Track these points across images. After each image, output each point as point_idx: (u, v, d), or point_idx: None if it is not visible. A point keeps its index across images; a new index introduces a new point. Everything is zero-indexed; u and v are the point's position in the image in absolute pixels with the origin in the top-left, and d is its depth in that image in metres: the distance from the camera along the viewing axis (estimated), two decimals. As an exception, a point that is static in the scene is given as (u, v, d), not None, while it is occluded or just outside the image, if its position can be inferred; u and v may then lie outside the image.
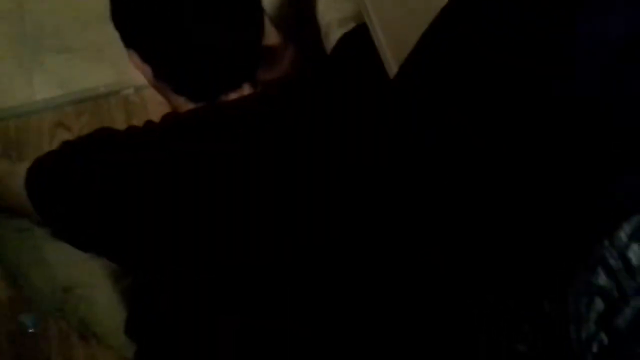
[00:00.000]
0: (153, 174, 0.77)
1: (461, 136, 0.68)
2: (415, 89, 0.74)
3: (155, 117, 0.83)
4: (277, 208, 0.78)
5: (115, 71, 1.42)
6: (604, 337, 0.54)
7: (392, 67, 0.81)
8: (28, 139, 1.37)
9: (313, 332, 0.81)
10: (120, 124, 1.36)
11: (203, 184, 0.77)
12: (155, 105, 1.34)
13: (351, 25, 0.95)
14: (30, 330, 1.18)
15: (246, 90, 0.85)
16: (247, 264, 0.78)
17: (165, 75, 0.83)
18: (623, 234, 0.54)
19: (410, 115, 0.75)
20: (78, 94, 1.43)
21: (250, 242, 0.78)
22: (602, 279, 0.55)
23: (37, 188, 0.80)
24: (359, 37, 0.89)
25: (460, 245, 0.74)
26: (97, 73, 1.44)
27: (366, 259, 0.81)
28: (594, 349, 0.54)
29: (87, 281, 0.98)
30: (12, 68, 1.45)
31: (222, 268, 0.77)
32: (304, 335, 0.81)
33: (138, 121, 0.85)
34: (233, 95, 0.83)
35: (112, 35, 0.85)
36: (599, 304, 0.55)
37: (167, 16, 0.78)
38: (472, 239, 0.72)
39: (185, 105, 0.84)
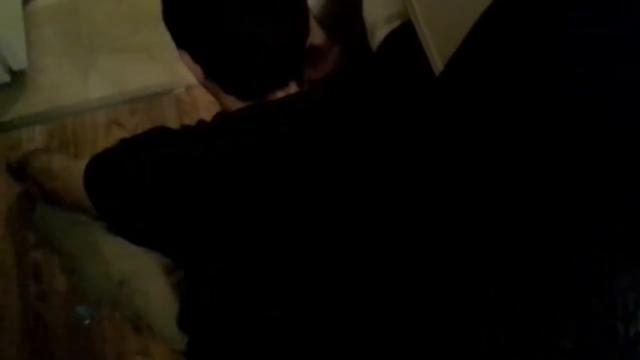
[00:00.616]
0: (204, 170, 0.79)
1: (484, 134, 0.68)
2: (451, 84, 0.74)
3: (205, 115, 0.85)
4: (322, 204, 0.79)
5: (167, 71, 1.45)
6: (653, 333, 0.53)
7: (438, 65, 0.81)
8: (84, 136, 1.41)
9: (353, 323, 0.82)
10: (171, 122, 1.39)
11: (251, 181, 0.78)
12: (205, 104, 1.37)
13: (397, 23, 0.95)
14: (86, 322, 1.21)
15: (293, 88, 0.86)
16: (292, 259, 0.79)
17: (215, 74, 0.85)
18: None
19: (442, 109, 0.76)
20: (131, 93, 1.46)
21: (296, 237, 0.79)
22: None
23: (95, 183, 0.83)
24: (405, 35, 0.89)
25: (488, 237, 0.73)
26: (149, 73, 1.47)
27: (400, 251, 0.81)
28: (643, 345, 0.53)
29: (142, 274, 1.01)
30: (67, 68, 1.49)
31: (267, 262, 0.79)
32: (345, 327, 0.82)
33: (189, 119, 0.87)
34: (280, 94, 0.85)
35: (163, 35, 0.87)
36: (648, 300, 0.54)
37: (217, 17, 0.79)
38: (498, 232, 0.72)
39: (234, 104, 0.86)
